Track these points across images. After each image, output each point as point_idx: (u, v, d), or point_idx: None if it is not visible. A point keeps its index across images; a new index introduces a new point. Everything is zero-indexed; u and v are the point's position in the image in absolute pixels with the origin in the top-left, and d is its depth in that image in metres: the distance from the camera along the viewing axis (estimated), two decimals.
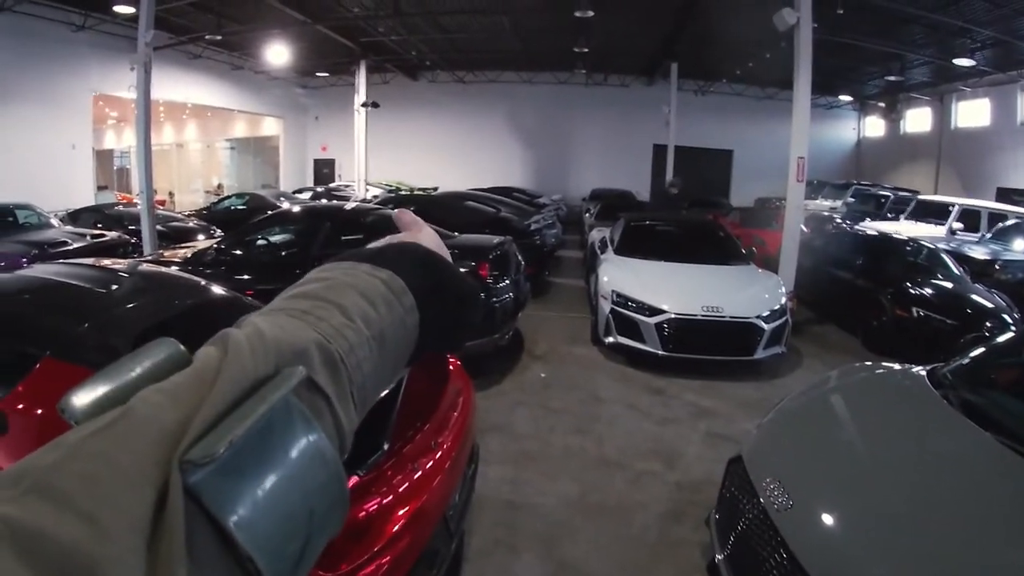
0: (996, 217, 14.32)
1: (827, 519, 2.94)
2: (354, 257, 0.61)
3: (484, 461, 4.60)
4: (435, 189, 18.39)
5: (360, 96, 19.45)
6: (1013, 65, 18.72)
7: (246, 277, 6.75)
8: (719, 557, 3.28)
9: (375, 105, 19.30)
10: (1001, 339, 4.60)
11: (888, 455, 3.45)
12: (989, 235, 13.54)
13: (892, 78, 23.49)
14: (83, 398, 0.40)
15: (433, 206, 11.26)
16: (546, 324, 8.96)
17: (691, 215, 14.19)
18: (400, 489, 2.65)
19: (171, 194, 28.69)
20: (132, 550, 0.31)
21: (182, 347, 0.48)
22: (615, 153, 27.48)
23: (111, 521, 0.31)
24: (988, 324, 7.35)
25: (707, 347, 6.98)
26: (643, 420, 5.87)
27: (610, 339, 7.42)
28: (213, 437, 0.36)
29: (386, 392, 2.39)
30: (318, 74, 27.61)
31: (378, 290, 0.56)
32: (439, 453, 2.99)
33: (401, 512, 2.59)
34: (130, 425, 0.36)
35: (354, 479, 2.45)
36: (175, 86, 21.35)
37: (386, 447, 2.54)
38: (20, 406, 2.84)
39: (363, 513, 2.49)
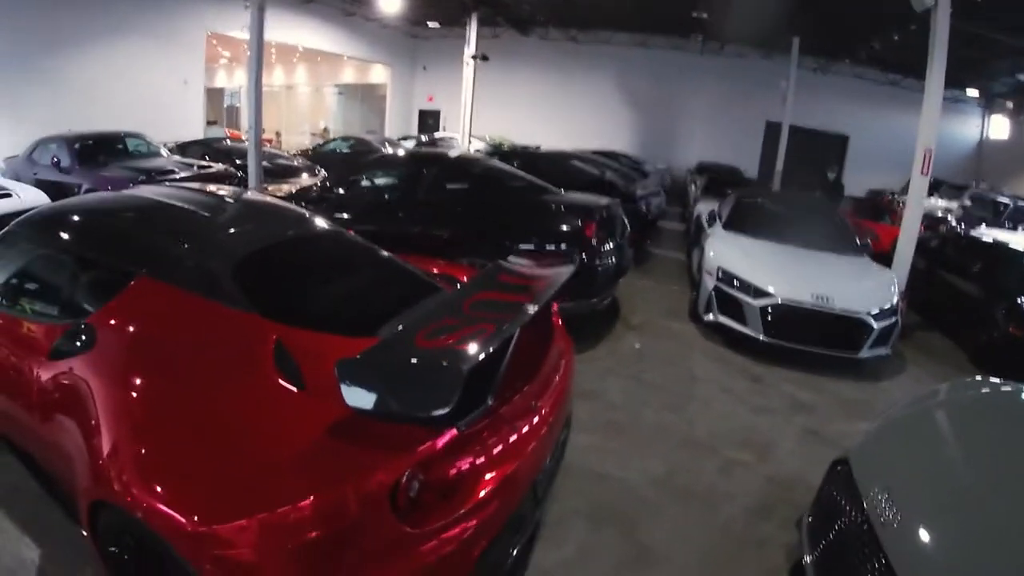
0: None
1: (935, 540, 2.78)
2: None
3: (572, 427, 4.54)
4: (538, 147, 18.19)
5: (470, 48, 19.29)
6: None
7: (347, 216, 6.78)
8: (807, 559, 3.15)
9: (484, 58, 19.11)
10: None
11: (999, 480, 3.25)
12: None
13: (1023, 77, 21.99)
14: None
15: (538, 161, 11.13)
16: (644, 294, 8.76)
17: (806, 196, 13.64)
18: (494, 451, 2.56)
19: (278, 134, 29.37)
20: None
21: None
22: (724, 126, 26.56)
23: None
24: None
25: (812, 338, 6.65)
26: (737, 405, 5.68)
27: (709, 317, 7.20)
28: None
29: (496, 347, 2.32)
30: (429, 24, 27.47)
31: None
32: (537, 417, 2.88)
33: (492, 475, 2.51)
34: None
35: (452, 432, 2.36)
36: (287, 29, 21.83)
37: (490, 402, 2.43)
38: (110, 322, 2.82)
39: (455, 471, 2.40)
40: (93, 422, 2.45)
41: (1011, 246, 10.06)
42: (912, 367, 7.35)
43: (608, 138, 23.85)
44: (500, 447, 2.59)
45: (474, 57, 19.00)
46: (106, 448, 2.34)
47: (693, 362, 6.60)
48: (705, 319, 7.27)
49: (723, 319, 7.05)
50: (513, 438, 2.68)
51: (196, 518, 2.06)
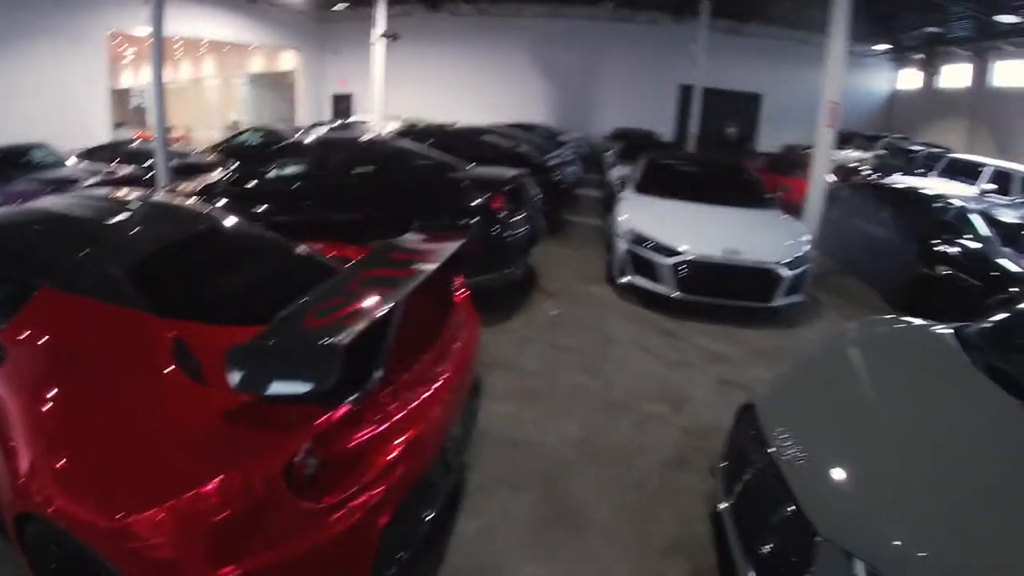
0: None
1: (838, 474, 2.84)
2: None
3: (488, 397, 4.52)
4: (454, 125, 18.09)
5: (378, 28, 18.97)
6: None
7: (257, 208, 6.64)
8: (722, 506, 3.20)
9: (394, 37, 18.86)
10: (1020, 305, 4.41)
11: (907, 414, 3.33)
12: (1021, 199, 13.23)
13: (932, 30, 22.77)
14: None
15: (450, 138, 11.04)
16: (561, 262, 8.81)
17: (715, 155, 13.90)
18: (395, 418, 2.62)
19: (188, 130, 28.56)
20: None
21: None
22: (640, 93, 26.86)
23: None
24: (1014, 288, 7.12)
25: (724, 291, 6.81)
26: (653, 362, 5.76)
27: (625, 279, 7.27)
28: None
29: (379, 320, 2.36)
30: (337, 6, 26.98)
31: None
32: (438, 383, 2.96)
33: (396, 441, 2.57)
34: None
35: (344, 407, 2.40)
36: (191, 21, 21.31)
37: (379, 375, 2.46)
38: (17, 337, 2.81)
39: (354, 443, 2.46)
40: (11, 436, 2.48)
41: (921, 191, 10.43)
42: (828, 312, 7.58)
43: (525, 111, 23.87)
44: (399, 417, 2.65)
45: (383, 35, 18.71)
46: (24, 460, 2.38)
47: (609, 324, 6.66)
48: (620, 281, 7.34)
49: (638, 280, 7.13)
50: (412, 407, 2.74)
51: (110, 515, 2.12)
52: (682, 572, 3.30)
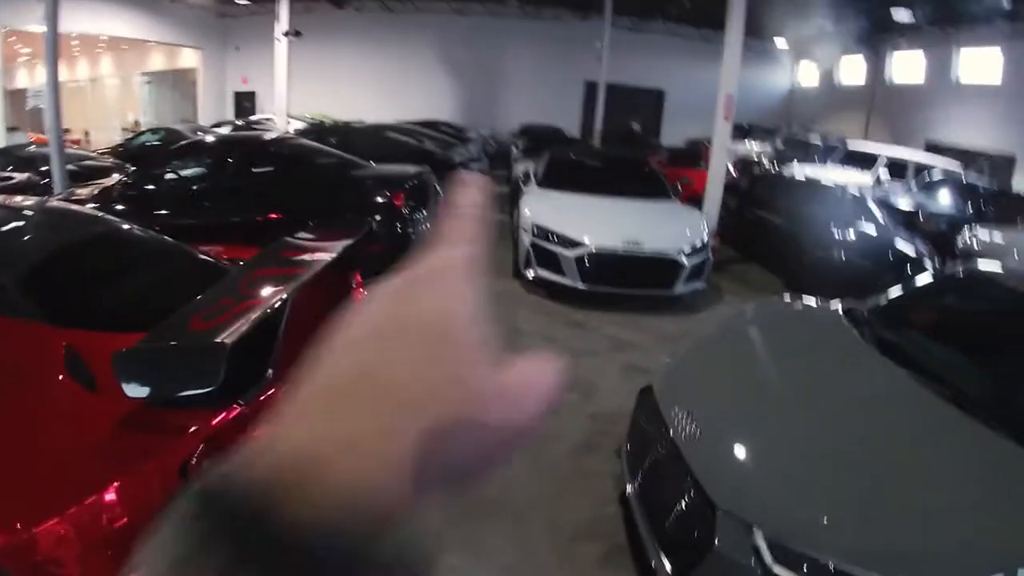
0: (923, 169, 14.76)
1: (735, 448, 2.96)
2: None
3: None
4: (360, 122, 17.88)
5: (281, 24, 18.57)
6: (950, 23, 18.87)
7: (155, 211, 6.45)
8: (629, 490, 3.29)
9: (297, 34, 18.44)
10: (917, 282, 4.68)
11: (800, 386, 3.49)
12: (914, 187, 13.91)
13: (830, 26, 23.70)
14: None
15: (354, 136, 10.96)
16: None
17: (617, 149, 14.15)
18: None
19: (87, 132, 27.26)
20: None
21: None
22: (546, 89, 27.09)
23: None
24: (909, 270, 7.51)
25: (627, 281, 6.99)
26: (561, 352, 5.78)
27: (530, 272, 7.36)
28: None
29: (268, 318, 2.34)
30: (239, 1, 26.21)
31: None
32: None
33: None
34: None
35: (236, 408, 2.41)
36: (88, 17, 20.32)
37: (270, 374, 2.44)
38: None
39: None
40: None
41: (818, 181, 10.88)
42: (730, 297, 7.85)
43: (432, 108, 23.72)
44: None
45: (285, 33, 18.32)
46: None
47: (517, 317, 6.73)
48: (527, 275, 7.43)
49: (543, 273, 7.23)
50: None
51: (8, 527, 2.07)
52: (594, 553, 3.40)
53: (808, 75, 29.98)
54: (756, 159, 17.29)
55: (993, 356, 3.79)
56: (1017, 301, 3.92)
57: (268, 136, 9.26)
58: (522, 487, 3.83)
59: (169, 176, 7.17)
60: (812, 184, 10.63)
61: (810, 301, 4.61)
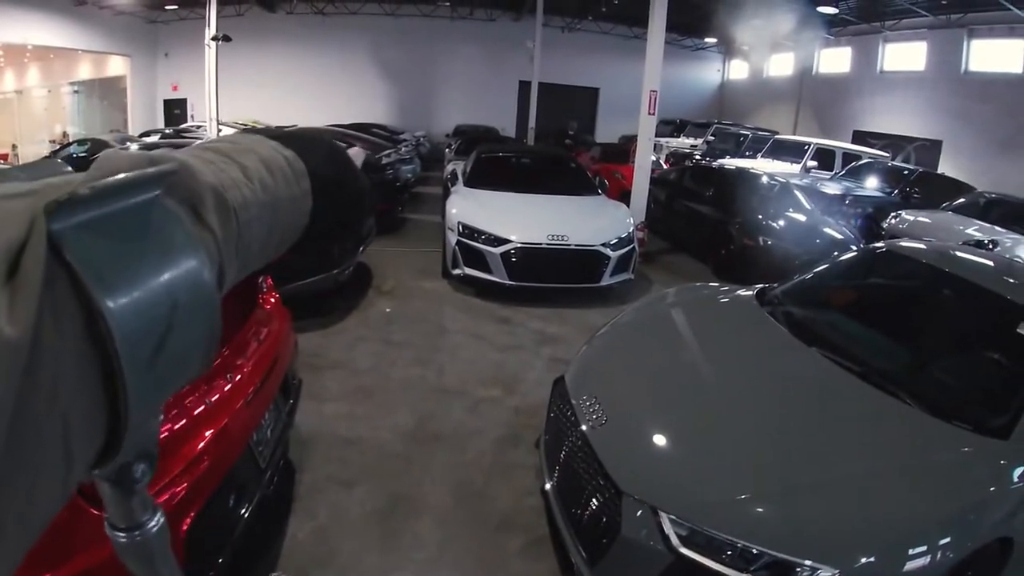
0: (850, 157, 15.16)
1: (640, 434, 2.99)
2: (264, 133, 0.61)
3: (319, 399, 4.54)
4: (293, 127, 17.58)
5: (211, 29, 18.20)
6: (876, 16, 19.38)
7: None
8: (547, 486, 3.30)
9: (226, 39, 18.04)
10: (830, 262, 4.79)
11: (709, 370, 3.55)
12: (842, 173, 14.28)
13: (758, 22, 24.14)
14: None
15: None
16: (397, 260, 8.80)
17: (543, 147, 14.23)
18: (181, 424, 2.51)
19: (14, 146, 26.25)
20: None
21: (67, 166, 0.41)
22: (481, 89, 27.14)
23: None
24: (835, 254, 7.70)
25: (553, 275, 7.04)
26: (487, 348, 5.87)
27: (457, 271, 7.35)
28: (80, 188, 0.34)
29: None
30: (167, 7, 25.50)
31: (279, 164, 0.56)
32: (238, 377, 2.88)
33: (194, 439, 2.49)
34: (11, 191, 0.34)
35: None
36: (12, 26, 19.57)
37: None
38: None
39: None
40: None
41: (747, 171, 11.12)
42: (658, 286, 7.97)
43: (367, 111, 23.61)
44: (196, 413, 2.56)
45: (214, 38, 17.96)
46: None
47: (443, 316, 6.73)
48: (454, 273, 7.42)
49: (470, 271, 7.23)
50: (200, 410, 2.62)
51: None
52: (517, 544, 3.41)
53: (738, 70, 30.58)
54: (688, 152, 17.55)
55: (905, 331, 3.90)
56: (930, 275, 4.03)
57: (198, 143, 9.08)
58: (445, 483, 3.85)
59: None
60: (740, 174, 10.86)
61: (723, 286, 4.73)
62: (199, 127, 20.14)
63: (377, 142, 12.87)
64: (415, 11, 26.52)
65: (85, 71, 29.19)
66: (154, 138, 18.95)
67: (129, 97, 27.86)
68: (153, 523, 0.46)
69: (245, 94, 23.34)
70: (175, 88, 27.85)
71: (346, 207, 0.66)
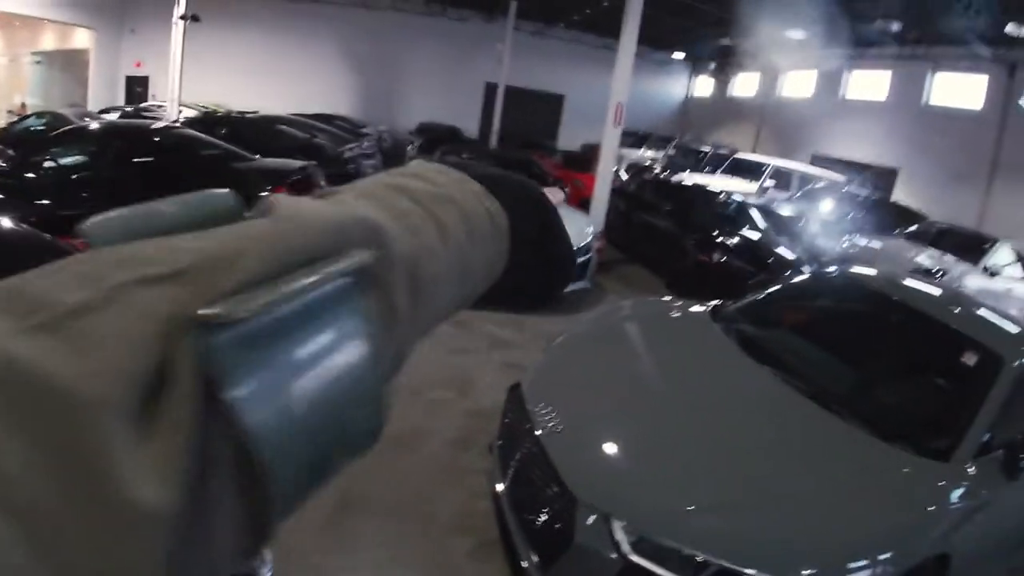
0: (808, 179, 15.55)
1: (595, 443, 3.04)
2: (467, 170, 0.52)
3: None
4: (255, 113, 17.38)
5: (180, 7, 17.84)
6: (842, 44, 19.74)
7: (34, 201, 6.16)
8: (499, 488, 3.33)
9: (195, 19, 17.70)
10: (784, 282, 4.92)
11: (663, 383, 3.62)
12: (798, 194, 14.59)
13: (725, 42, 24.53)
14: (111, 226, 0.34)
15: (245, 128, 10.69)
16: None
17: (508, 151, 14.29)
18: None
19: None
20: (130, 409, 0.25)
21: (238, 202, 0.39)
22: (447, 88, 27.07)
23: (124, 377, 0.25)
24: (787, 273, 7.87)
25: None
26: (440, 351, 5.84)
27: None
28: (242, 297, 0.28)
29: None
30: None
31: (480, 221, 0.48)
32: None
33: None
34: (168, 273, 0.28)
35: None
36: None
37: None
38: None
39: None
40: None
41: (705, 187, 11.29)
42: (613, 296, 8.05)
43: (332, 101, 23.36)
44: None
45: (183, 17, 17.61)
46: None
47: None
48: None
49: None
50: None
51: None
52: (467, 547, 3.44)
53: (703, 87, 31.05)
54: (648, 165, 17.76)
55: (853, 354, 4.04)
56: (880, 302, 4.19)
57: (154, 125, 8.95)
58: (396, 484, 3.84)
59: (48, 164, 6.85)
60: (698, 190, 11.03)
61: (678, 301, 4.82)
62: (160, 107, 19.70)
63: (340, 134, 12.79)
64: (387, 5, 26.33)
65: (49, 42, 28.28)
66: (114, 116, 18.53)
67: (91, 71, 27.00)
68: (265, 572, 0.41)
69: (209, 76, 22.89)
70: (138, 65, 27.05)
71: (543, 275, 0.57)
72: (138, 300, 0.27)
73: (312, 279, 0.31)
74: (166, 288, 0.28)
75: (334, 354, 0.33)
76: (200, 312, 0.27)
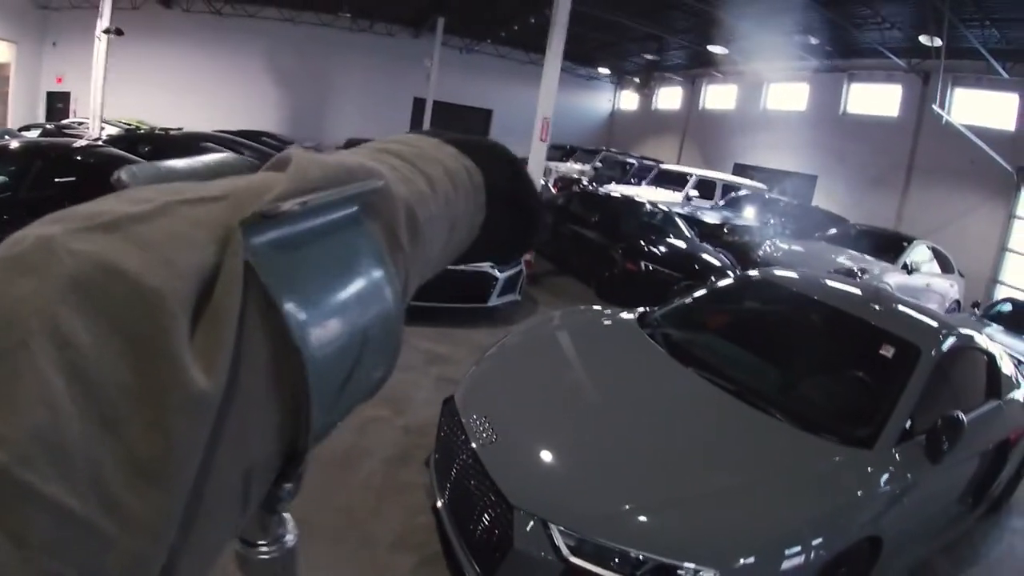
0: (730, 188, 15.95)
1: (529, 450, 3.07)
2: (440, 136, 0.56)
3: None
4: (179, 130, 16.98)
5: (103, 20, 17.32)
6: (762, 58, 20.37)
7: None
8: (439, 503, 3.35)
9: (119, 32, 17.17)
10: (708, 287, 5.06)
11: (593, 389, 3.69)
12: (722, 203, 14.94)
13: (650, 57, 25.07)
14: (145, 173, 0.37)
15: (167, 145, 10.45)
16: None
17: None
18: None
19: None
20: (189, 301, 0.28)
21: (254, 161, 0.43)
22: (375, 103, 26.92)
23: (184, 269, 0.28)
24: (712, 279, 8.06)
25: (443, 295, 7.05)
26: None
27: None
28: (286, 202, 0.31)
29: None
30: None
31: (460, 175, 0.53)
32: None
33: None
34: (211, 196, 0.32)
35: None
36: None
37: None
38: None
39: None
40: None
41: (631, 198, 11.48)
42: (544, 307, 8.13)
43: (259, 118, 23.00)
44: None
45: (106, 31, 17.09)
46: None
47: None
48: None
49: None
50: None
51: None
52: (410, 563, 3.42)
53: (629, 101, 31.66)
54: (576, 178, 17.98)
55: (777, 353, 4.18)
56: (801, 302, 4.35)
57: (76, 144, 8.67)
58: (335, 505, 3.78)
59: None
60: (625, 201, 11.22)
61: (607, 309, 4.91)
62: (81, 124, 19.03)
63: (267, 151, 12.61)
64: (315, 19, 26.06)
65: None
66: (35, 133, 17.85)
67: (11, 86, 25.79)
68: (290, 538, 0.44)
69: (133, 92, 22.18)
70: (59, 80, 26.06)
71: (518, 227, 0.62)
72: (187, 212, 0.30)
73: (336, 194, 0.35)
74: (210, 205, 0.31)
75: (358, 268, 0.37)
76: (243, 217, 0.30)
